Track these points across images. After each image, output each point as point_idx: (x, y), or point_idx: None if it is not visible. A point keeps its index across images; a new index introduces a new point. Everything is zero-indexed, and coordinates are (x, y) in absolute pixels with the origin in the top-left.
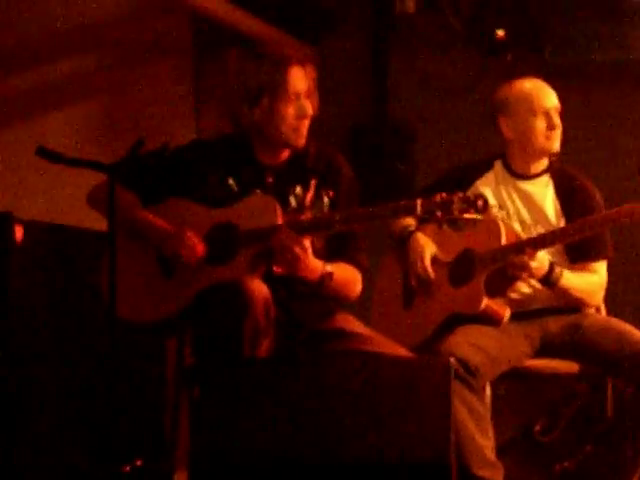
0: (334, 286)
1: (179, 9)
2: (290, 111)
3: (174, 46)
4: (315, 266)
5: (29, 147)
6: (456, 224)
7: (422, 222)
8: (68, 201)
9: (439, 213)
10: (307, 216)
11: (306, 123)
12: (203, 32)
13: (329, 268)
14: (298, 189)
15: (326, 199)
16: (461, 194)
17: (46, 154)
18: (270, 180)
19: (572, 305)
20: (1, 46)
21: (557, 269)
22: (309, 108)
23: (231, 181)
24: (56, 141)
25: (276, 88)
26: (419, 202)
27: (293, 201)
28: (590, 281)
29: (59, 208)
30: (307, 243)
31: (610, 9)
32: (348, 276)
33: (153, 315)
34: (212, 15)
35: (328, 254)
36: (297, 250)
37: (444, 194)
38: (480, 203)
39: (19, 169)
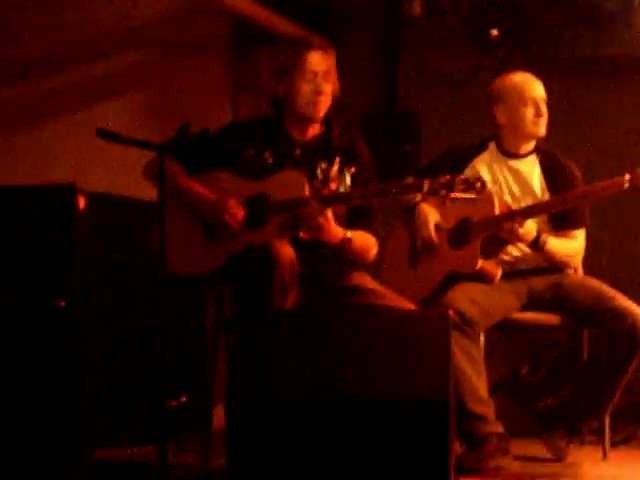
0: (353, 249)
1: (216, 10)
2: (306, 87)
3: (212, 43)
4: (337, 232)
5: (91, 129)
6: (456, 198)
7: (428, 196)
8: (124, 175)
9: (443, 191)
10: (330, 190)
11: (322, 99)
12: (237, 30)
13: (349, 234)
14: (324, 164)
15: (348, 174)
16: (463, 176)
17: (105, 135)
18: (299, 153)
19: (555, 266)
20: (68, 43)
21: (543, 235)
22: (324, 87)
23: (267, 154)
24: (113, 124)
25: (295, 67)
26: (426, 182)
27: (320, 174)
28: (571, 246)
29: (116, 181)
30: (330, 214)
31: (588, 12)
32: (365, 242)
33: (198, 269)
34: (245, 15)
35: (349, 222)
36: (321, 220)
37: (448, 176)
38: (478, 185)
39: (82, 148)
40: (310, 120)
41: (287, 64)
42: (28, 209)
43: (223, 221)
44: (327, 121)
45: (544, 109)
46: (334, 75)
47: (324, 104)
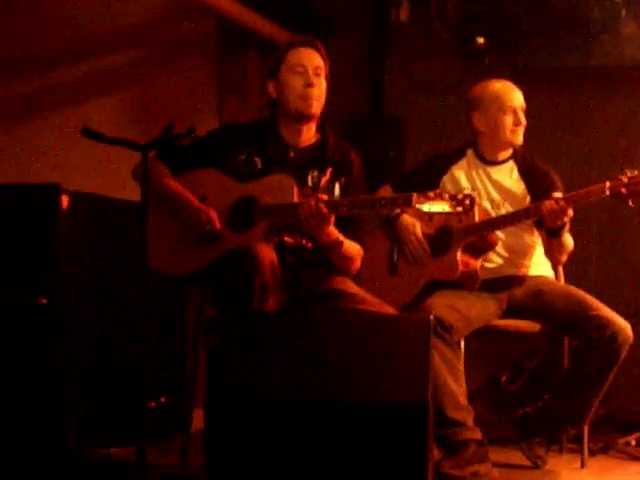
0: (342, 254)
1: (204, 12)
2: (296, 81)
3: (200, 45)
4: (332, 232)
5: (76, 128)
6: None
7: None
8: (107, 175)
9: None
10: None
11: (313, 93)
12: (224, 33)
13: (341, 238)
14: (316, 172)
15: (338, 185)
16: (452, 193)
17: (90, 134)
18: (292, 156)
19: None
20: (54, 43)
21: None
22: (315, 80)
23: (257, 158)
24: (98, 124)
25: (284, 62)
26: (415, 196)
27: (310, 181)
28: (571, 244)
29: (100, 181)
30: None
31: (573, 22)
32: (353, 250)
33: (180, 269)
34: (232, 18)
35: (338, 230)
36: (319, 219)
37: (437, 191)
38: (467, 202)
39: (67, 147)
40: (303, 117)
41: (276, 61)
42: (12, 208)
43: (202, 231)
44: (322, 128)
45: (523, 118)
46: (324, 73)
47: (316, 99)
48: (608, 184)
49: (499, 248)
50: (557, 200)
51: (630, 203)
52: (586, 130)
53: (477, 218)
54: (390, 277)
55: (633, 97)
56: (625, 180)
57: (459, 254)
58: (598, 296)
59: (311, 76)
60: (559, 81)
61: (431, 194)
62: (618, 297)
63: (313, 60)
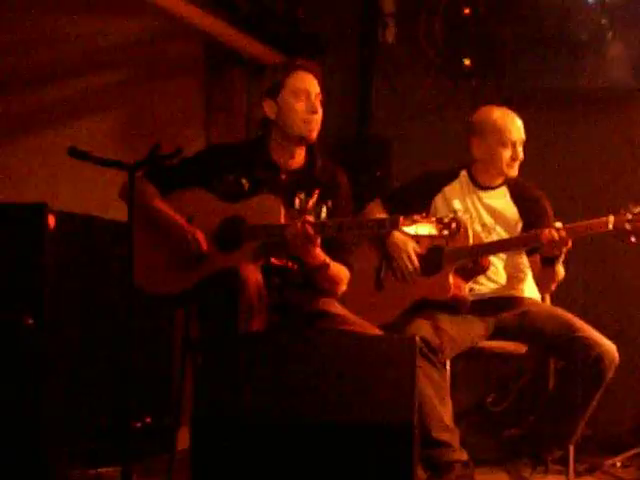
0: (328, 276)
1: (191, 32)
2: (300, 106)
3: (186, 64)
4: (318, 254)
5: (62, 148)
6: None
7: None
8: (94, 194)
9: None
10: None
11: (316, 119)
12: (211, 52)
13: (327, 260)
14: (303, 195)
15: (325, 207)
16: (438, 217)
17: (76, 154)
18: (283, 178)
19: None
20: (41, 62)
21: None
22: (318, 106)
23: (244, 180)
24: (85, 144)
25: (288, 85)
26: (401, 219)
27: (297, 204)
28: (562, 273)
29: (86, 200)
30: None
31: (559, 44)
32: (339, 273)
33: (167, 290)
34: (219, 37)
35: (325, 252)
36: (305, 241)
37: (424, 214)
38: (454, 226)
39: (53, 167)
40: (301, 141)
41: (276, 82)
42: None
43: (189, 252)
44: (311, 150)
45: (521, 153)
46: (321, 97)
47: (317, 125)
48: (612, 219)
49: (496, 274)
50: (558, 230)
51: (632, 239)
52: (573, 151)
53: (471, 241)
54: (376, 293)
55: (619, 118)
56: (629, 216)
57: (451, 276)
58: (584, 318)
59: (315, 103)
60: (545, 103)
61: (418, 217)
62: (604, 319)
63: (315, 86)
